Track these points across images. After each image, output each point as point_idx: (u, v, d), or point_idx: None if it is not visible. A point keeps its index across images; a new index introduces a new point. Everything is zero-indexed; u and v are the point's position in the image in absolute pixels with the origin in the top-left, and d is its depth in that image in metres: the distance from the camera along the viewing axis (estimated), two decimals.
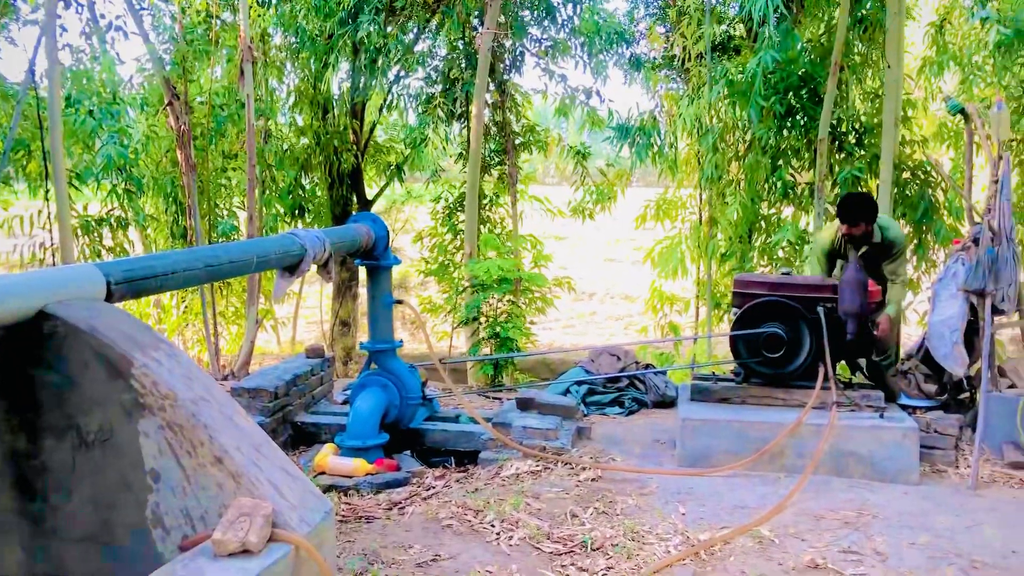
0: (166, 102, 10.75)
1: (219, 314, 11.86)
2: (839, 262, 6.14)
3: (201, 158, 11.23)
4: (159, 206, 12.16)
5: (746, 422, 5.35)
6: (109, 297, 3.04)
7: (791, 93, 10.18)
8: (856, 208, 5.85)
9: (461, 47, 13.13)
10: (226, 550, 2.37)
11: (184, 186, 10.94)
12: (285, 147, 13.33)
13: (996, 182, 5.67)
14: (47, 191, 9.29)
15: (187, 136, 10.62)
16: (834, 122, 9.80)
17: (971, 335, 5.81)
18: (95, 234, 10.51)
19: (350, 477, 5.16)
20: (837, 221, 5.97)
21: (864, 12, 10.03)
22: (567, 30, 13.11)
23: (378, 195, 15.61)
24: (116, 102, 10.75)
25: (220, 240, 11.22)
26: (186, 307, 12.46)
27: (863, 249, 5.92)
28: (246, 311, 10.45)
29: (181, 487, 2.62)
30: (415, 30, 13.41)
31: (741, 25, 11.26)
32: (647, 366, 8.00)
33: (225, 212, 12.37)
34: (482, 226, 12.94)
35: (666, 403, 7.23)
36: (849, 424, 5.25)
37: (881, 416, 5.36)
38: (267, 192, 12.50)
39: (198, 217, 10.86)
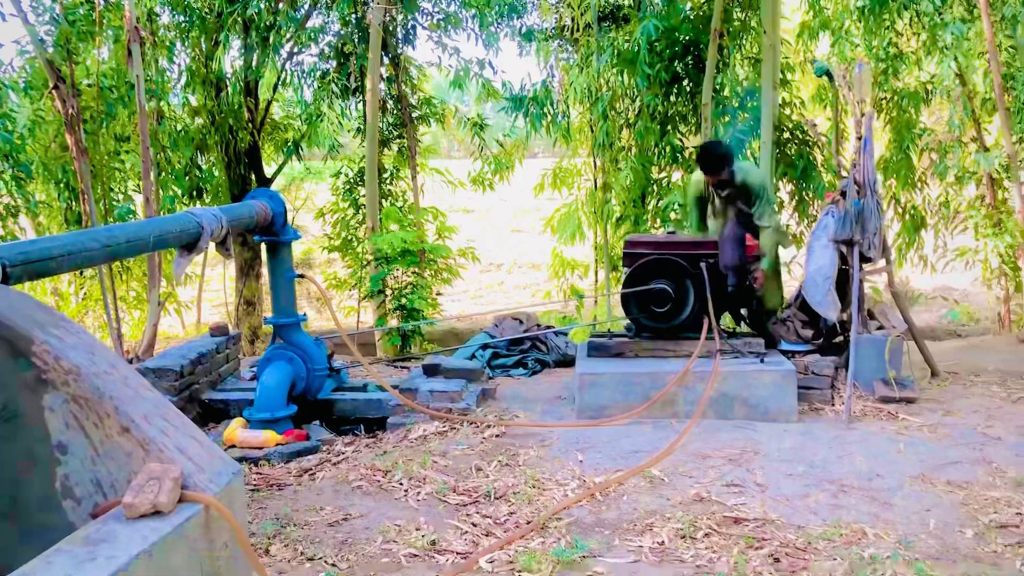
0: (51, 85, 10.43)
1: (120, 299, 11.64)
2: (710, 208, 6.59)
3: (92, 142, 10.95)
4: (51, 192, 11.83)
5: (639, 373, 5.66)
6: (5, 280, 3.08)
7: (676, 61, 10.51)
8: (713, 157, 6.26)
9: (354, 21, 13.07)
10: (137, 512, 2.45)
11: (76, 171, 10.67)
12: (179, 128, 13.06)
13: (860, 138, 6.09)
14: None
15: (76, 120, 10.34)
16: (717, 87, 10.19)
17: (843, 283, 6.24)
18: None
19: (260, 448, 5.25)
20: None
21: None
22: (458, 3, 13.18)
23: (276, 173, 15.45)
24: None
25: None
26: (85, 294, 12.18)
27: (727, 191, 6.32)
28: (148, 295, 10.31)
29: (90, 458, 2.70)
30: (306, 6, 13.29)
31: None
32: (548, 327, 8.28)
33: (121, 196, 12.10)
34: (383, 200, 12.98)
35: (567, 362, 7.51)
36: (733, 370, 5.61)
37: (762, 361, 5.75)
38: (163, 174, 12.26)
39: (92, 202, 10.61)
